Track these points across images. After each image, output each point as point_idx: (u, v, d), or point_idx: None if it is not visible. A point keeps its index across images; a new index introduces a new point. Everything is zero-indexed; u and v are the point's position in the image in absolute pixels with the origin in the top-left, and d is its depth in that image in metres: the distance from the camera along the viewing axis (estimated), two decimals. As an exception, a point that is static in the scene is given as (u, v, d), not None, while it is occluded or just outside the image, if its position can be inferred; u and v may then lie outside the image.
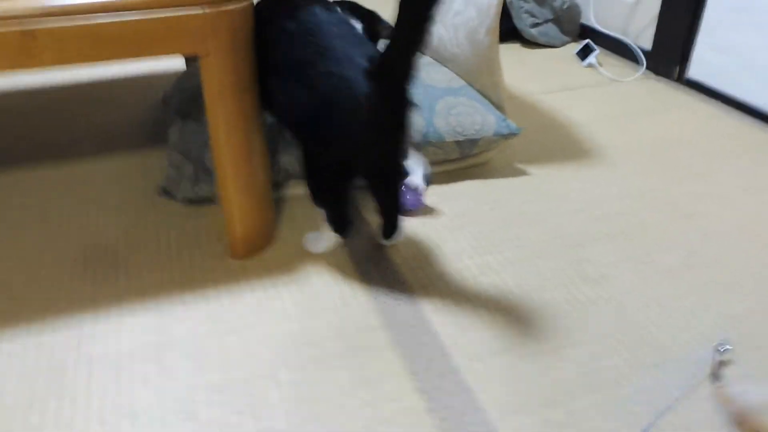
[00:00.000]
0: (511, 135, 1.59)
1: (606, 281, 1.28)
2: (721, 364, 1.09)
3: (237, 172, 1.23)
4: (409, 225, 1.44)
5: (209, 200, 1.52)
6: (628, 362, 1.10)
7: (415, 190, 1.36)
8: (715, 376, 1.07)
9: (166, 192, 1.50)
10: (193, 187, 1.45)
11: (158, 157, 1.72)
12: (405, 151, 1.17)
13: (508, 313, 1.20)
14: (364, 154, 1.12)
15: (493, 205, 1.52)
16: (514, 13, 2.54)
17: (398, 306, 1.21)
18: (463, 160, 1.64)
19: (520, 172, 1.66)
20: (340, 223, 1.28)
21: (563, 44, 2.61)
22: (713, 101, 2.13)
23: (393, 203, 1.30)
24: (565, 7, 2.55)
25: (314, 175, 1.22)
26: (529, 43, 2.62)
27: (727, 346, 1.11)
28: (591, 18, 2.55)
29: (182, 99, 1.62)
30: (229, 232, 1.30)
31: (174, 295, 1.23)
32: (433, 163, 1.58)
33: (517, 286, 1.26)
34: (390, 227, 1.33)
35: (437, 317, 1.18)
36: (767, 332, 1.17)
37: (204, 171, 1.45)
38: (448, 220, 1.46)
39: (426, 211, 1.48)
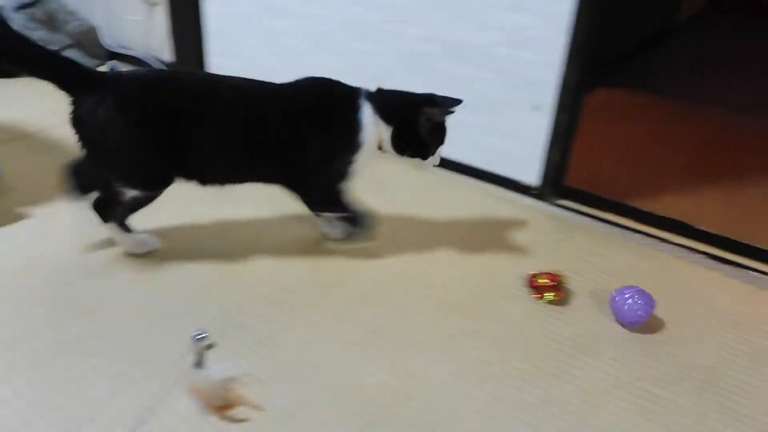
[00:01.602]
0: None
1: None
2: (203, 351, 1.18)
3: None
4: None
5: None
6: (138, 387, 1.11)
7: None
8: (198, 365, 1.15)
9: None
10: None
11: None
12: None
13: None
14: None
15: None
16: (26, 43, 2.38)
17: None
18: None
19: (21, 216, 1.55)
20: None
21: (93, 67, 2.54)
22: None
23: None
24: (81, 30, 2.47)
25: None
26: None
27: (204, 334, 1.19)
28: (109, 38, 2.53)
29: None
30: None
31: None
32: None
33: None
34: None
35: None
36: (252, 312, 1.30)
37: None
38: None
39: None
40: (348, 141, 1.34)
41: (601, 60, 2.84)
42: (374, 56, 1.93)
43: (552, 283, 1.38)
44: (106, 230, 1.40)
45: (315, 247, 1.52)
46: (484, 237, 1.62)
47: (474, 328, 1.30)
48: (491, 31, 1.71)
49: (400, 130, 1.34)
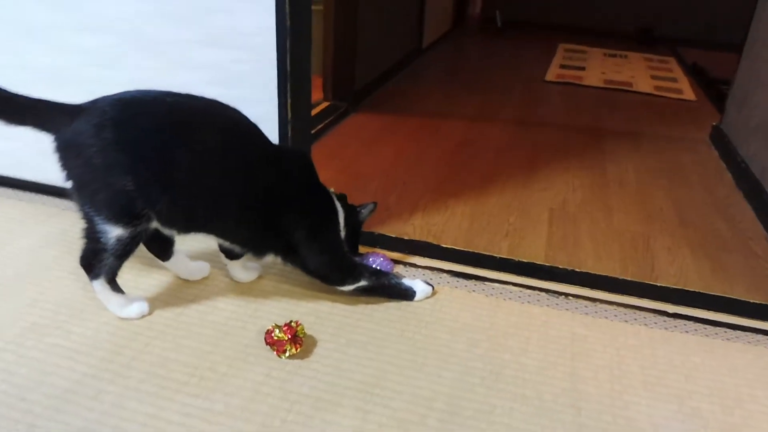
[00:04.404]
0: None
1: None
2: None
3: None
4: None
5: None
6: None
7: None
8: None
9: None
10: None
11: None
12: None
13: None
14: None
15: None
16: None
17: None
18: None
19: None
20: None
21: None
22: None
23: None
24: None
25: None
26: None
27: None
28: None
29: None
30: None
31: None
32: None
33: None
34: None
35: None
36: None
37: None
38: None
39: None
40: (331, 218, 1.43)
41: (352, 88, 2.87)
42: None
43: (288, 336, 1.26)
44: (96, 288, 1.32)
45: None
46: (215, 291, 1.46)
47: (202, 407, 1.13)
48: (191, 71, 1.59)
49: (353, 231, 1.49)
